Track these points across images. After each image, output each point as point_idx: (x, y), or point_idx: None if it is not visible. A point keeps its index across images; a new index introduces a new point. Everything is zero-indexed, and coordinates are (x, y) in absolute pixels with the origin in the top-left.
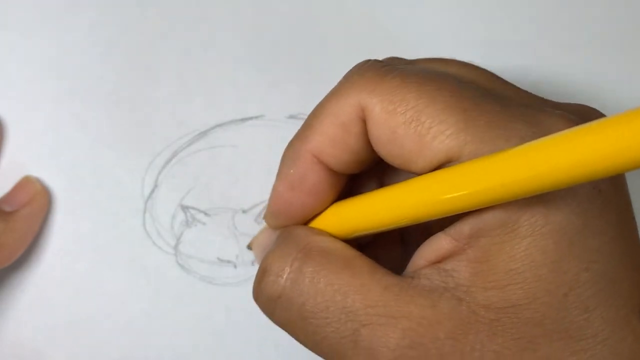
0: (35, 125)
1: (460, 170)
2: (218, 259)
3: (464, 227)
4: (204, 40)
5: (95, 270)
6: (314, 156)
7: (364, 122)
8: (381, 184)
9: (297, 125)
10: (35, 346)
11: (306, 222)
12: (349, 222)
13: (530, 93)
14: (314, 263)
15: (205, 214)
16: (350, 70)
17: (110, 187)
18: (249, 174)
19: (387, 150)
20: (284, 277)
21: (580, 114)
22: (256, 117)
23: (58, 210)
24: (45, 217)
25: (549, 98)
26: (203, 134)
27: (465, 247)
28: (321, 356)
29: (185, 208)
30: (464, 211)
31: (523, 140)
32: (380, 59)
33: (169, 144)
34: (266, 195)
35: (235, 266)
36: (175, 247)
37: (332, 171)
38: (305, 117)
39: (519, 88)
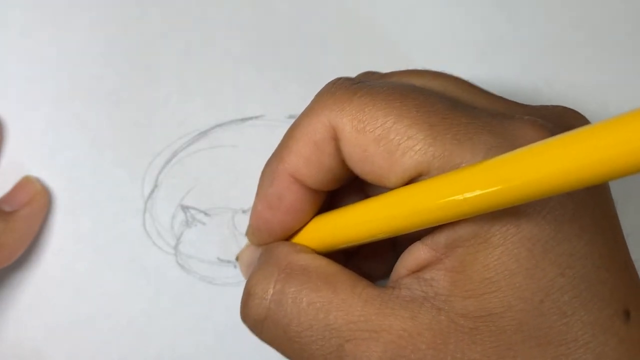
0: (35, 125)
1: (427, 185)
2: (218, 259)
3: (440, 238)
4: (204, 40)
5: (95, 270)
6: (290, 175)
7: (336, 140)
8: (365, 195)
9: None
10: (35, 346)
11: (289, 237)
12: (328, 237)
13: (503, 99)
14: (296, 283)
15: (205, 214)
16: (322, 89)
17: (110, 187)
18: (249, 174)
19: (360, 167)
20: (268, 299)
21: (556, 117)
22: (256, 117)
23: (58, 210)
24: (45, 217)
25: (548, 98)
26: (203, 134)
27: (443, 257)
28: None
29: (185, 208)
30: (436, 224)
31: (489, 151)
32: (354, 75)
33: (169, 144)
34: None
35: (235, 266)
36: (175, 247)
37: (309, 189)
38: None
39: (491, 95)
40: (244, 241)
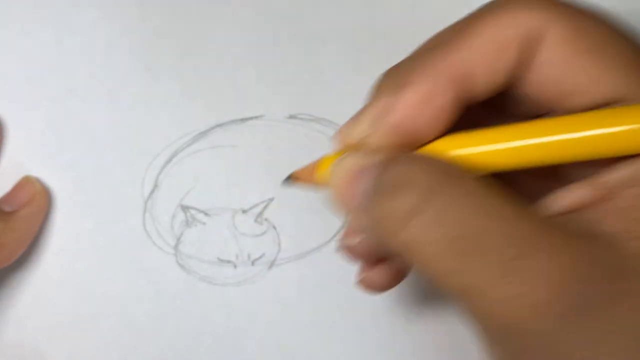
0: (35, 125)
1: (617, 112)
2: (218, 259)
3: (608, 178)
4: (204, 40)
5: (95, 270)
6: (454, 75)
7: (527, 48)
8: (505, 117)
9: (297, 125)
10: (35, 346)
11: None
12: (477, 157)
13: None
14: (466, 187)
15: (205, 214)
16: None
17: (110, 187)
18: (249, 174)
19: (549, 79)
20: (432, 196)
21: None
22: (256, 117)
23: (58, 210)
24: (45, 217)
25: None
26: (203, 134)
27: (612, 197)
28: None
29: (185, 208)
30: (620, 154)
31: None
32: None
33: (169, 144)
34: (266, 195)
35: (235, 266)
36: (175, 247)
37: (460, 97)
38: (305, 117)
39: None
40: (244, 241)
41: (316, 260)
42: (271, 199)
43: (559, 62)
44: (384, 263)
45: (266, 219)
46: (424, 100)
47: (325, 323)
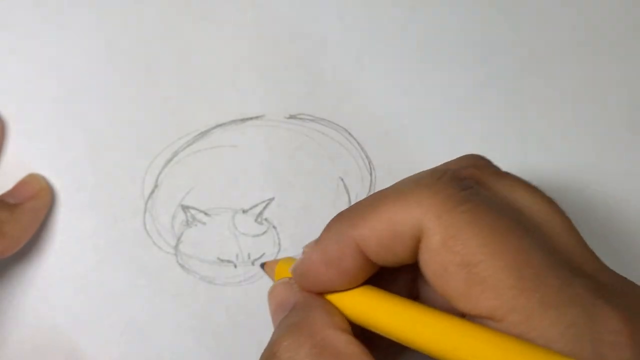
0: (36, 125)
1: (492, 338)
2: (218, 259)
3: None
4: (204, 40)
5: (95, 270)
6: (357, 245)
7: (418, 241)
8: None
9: (297, 125)
10: (35, 346)
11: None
12: (370, 317)
13: (596, 258)
14: None
15: (205, 214)
16: (425, 175)
17: (111, 187)
18: (249, 174)
19: (432, 278)
20: None
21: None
22: (256, 117)
23: (58, 210)
24: (47, 216)
25: (548, 99)
26: (203, 134)
27: None
28: None
29: (185, 208)
30: None
31: (567, 329)
32: (474, 159)
33: (169, 144)
34: (266, 195)
35: (235, 266)
36: (176, 247)
37: (370, 260)
38: (305, 117)
39: (587, 249)
40: (244, 241)
41: None
42: (271, 199)
43: (433, 267)
44: None
45: (266, 219)
46: (327, 263)
47: None
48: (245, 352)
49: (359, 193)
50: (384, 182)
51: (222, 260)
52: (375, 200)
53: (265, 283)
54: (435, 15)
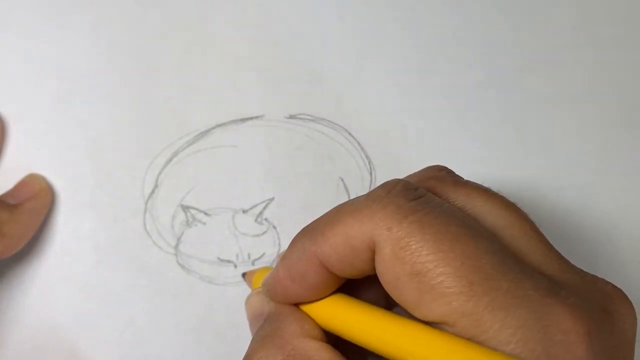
0: (36, 125)
1: (443, 341)
2: (218, 258)
3: None
4: (204, 40)
5: (95, 270)
6: (320, 261)
7: (372, 252)
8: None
9: (297, 125)
10: (35, 346)
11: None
12: (339, 325)
13: (559, 256)
14: None
15: (206, 214)
16: (377, 190)
17: (111, 187)
18: (249, 174)
19: (388, 287)
20: None
21: (602, 298)
22: (256, 117)
23: (58, 210)
24: (46, 216)
25: (548, 100)
26: (203, 134)
27: None
28: None
29: (185, 208)
30: None
31: (517, 330)
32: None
33: (169, 144)
34: (266, 195)
35: (235, 266)
36: (176, 247)
37: (334, 273)
38: (305, 117)
39: (549, 248)
40: (244, 241)
41: None
42: (271, 199)
43: (386, 277)
44: None
45: (266, 219)
46: (292, 276)
47: None
48: (245, 352)
49: (359, 193)
50: (383, 182)
51: (222, 260)
52: (333, 216)
53: None
54: (435, 15)
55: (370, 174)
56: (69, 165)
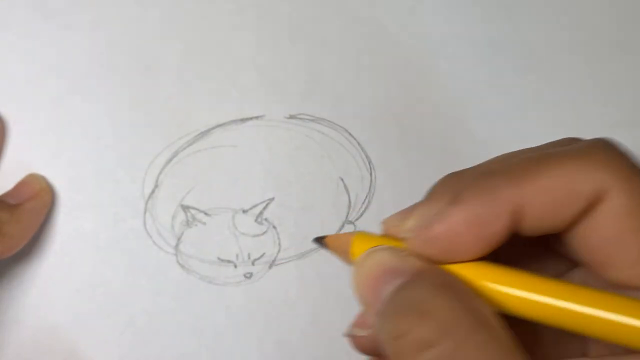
0: (36, 125)
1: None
2: (218, 258)
3: None
4: (204, 40)
5: (95, 269)
6: (514, 207)
7: (594, 201)
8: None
9: (297, 125)
10: (35, 346)
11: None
12: (503, 297)
13: None
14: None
15: (206, 214)
16: (597, 141)
17: (111, 187)
18: (249, 174)
19: (597, 246)
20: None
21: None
22: (256, 117)
23: (59, 210)
24: (47, 216)
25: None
26: (203, 134)
27: None
28: None
29: (185, 208)
30: None
31: None
32: None
33: (169, 144)
34: (266, 195)
35: (235, 266)
36: (176, 247)
37: (511, 229)
38: (305, 117)
39: None
40: (244, 241)
41: (316, 260)
42: (271, 199)
43: (611, 233)
44: None
45: (266, 219)
46: (472, 224)
47: (325, 322)
48: (245, 352)
49: (359, 193)
50: (384, 182)
51: (222, 260)
52: (538, 160)
53: (266, 283)
54: (435, 15)
55: (370, 174)
56: (69, 165)
